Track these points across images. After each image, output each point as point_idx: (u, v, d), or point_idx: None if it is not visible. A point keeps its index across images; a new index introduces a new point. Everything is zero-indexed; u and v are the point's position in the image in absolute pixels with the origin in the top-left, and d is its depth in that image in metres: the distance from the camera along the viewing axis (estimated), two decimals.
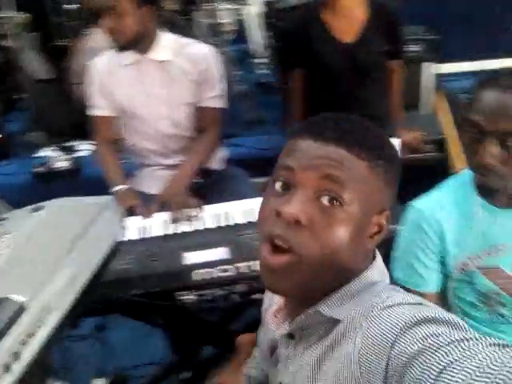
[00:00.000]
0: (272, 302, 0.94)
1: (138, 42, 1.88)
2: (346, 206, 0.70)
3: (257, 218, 0.76)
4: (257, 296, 1.56)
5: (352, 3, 2.05)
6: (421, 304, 0.69)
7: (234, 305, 1.72)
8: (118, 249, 1.27)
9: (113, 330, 2.34)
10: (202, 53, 1.99)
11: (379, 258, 0.81)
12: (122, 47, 1.88)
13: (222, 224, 1.68)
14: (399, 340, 0.62)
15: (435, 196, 1.32)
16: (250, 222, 1.66)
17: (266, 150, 3.15)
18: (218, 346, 1.91)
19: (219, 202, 1.83)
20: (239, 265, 1.46)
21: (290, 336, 0.82)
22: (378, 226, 0.75)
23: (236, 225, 1.67)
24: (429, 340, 0.59)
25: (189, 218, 1.74)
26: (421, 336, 0.60)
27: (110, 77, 1.98)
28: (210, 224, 1.70)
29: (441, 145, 2.57)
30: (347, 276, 0.75)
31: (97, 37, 3.10)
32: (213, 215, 1.75)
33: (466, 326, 0.62)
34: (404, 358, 0.60)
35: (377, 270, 0.78)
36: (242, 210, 1.74)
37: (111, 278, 1.39)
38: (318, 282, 0.72)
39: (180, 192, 1.88)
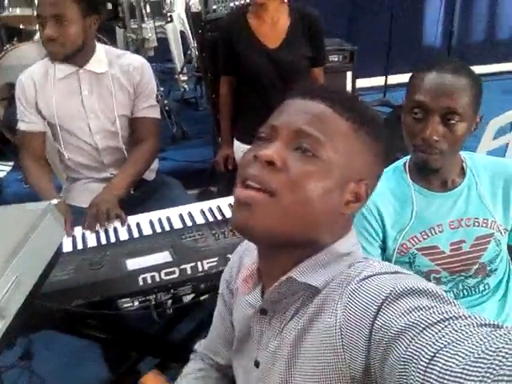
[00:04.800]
0: (240, 269, 0.92)
1: (77, 54, 1.84)
2: (321, 160, 0.71)
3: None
4: (202, 298, 1.55)
5: (276, 10, 2.13)
6: (398, 272, 0.70)
7: (172, 314, 1.68)
8: (60, 254, 1.21)
9: (40, 357, 2.21)
10: (135, 64, 1.97)
11: (353, 232, 0.81)
12: (63, 58, 1.82)
13: (161, 230, 1.66)
14: (382, 312, 0.62)
15: None
16: (190, 226, 1.65)
17: (195, 163, 3.17)
18: (158, 356, 1.86)
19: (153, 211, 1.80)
20: (184, 266, 1.44)
21: (263, 311, 0.81)
22: (354, 194, 0.75)
23: (177, 229, 1.65)
24: (415, 314, 0.59)
25: (106, 228, 1.68)
26: (406, 309, 0.60)
27: (41, 90, 1.90)
28: (149, 230, 1.66)
29: None
30: (319, 242, 0.75)
31: (14, 54, 2.99)
32: (151, 222, 1.71)
33: (448, 297, 0.62)
34: (389, 332, 0.59)
35: (350, 241, 0.79)
36: (180, 216, 1.73)
37: (51, 289, 1.32)
38: (287, 229, 0.71)
39: (109, 200, 1.79)
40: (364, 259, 0.76)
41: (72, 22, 1.75)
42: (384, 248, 1.35)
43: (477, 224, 1.33)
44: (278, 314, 0.79)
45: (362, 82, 4.11)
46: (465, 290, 1.37)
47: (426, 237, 1.32)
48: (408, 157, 1.36)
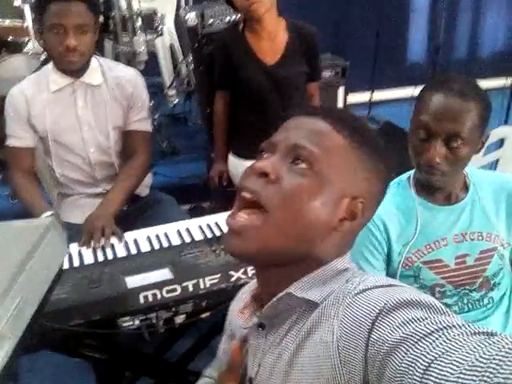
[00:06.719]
0: (238, 305, 0.91)
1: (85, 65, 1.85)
2: (315, 174, 0.72)
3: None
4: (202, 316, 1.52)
5: (274, 26, 2.12)
6: (392, 285, 0.69)
7: (168, 333, 1.65)
8: (63, 270, 1.17)
9: (26, 378, 2.15)
10: (128, 76, 1.96)
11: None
12: (79, 68, 1.83)
13: (159, 246, 1.63)
14: (377, 325, 0.61)
15: None
16: (189, 242, 1.63)
17: (186, 178, 3.15)
18: (154, 377, 1.81)
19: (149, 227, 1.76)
20: (186, 284, 1.41)
21: (260, 325, 0.79)
22: (349, 212, 0.75)
23: (175, 246, 1.62)
24: (409, 326, 0.58)
25: (102, 246, 1.64)
26: (400, 322, 0.59)
27: (33, 104, 1.86)
28: (147, 247, 1.63)
29: None
30: (312, 257, 0.75)
31: (3, 66, 2.95)
32: (148, 238, 1.68)
33: (442, 307, 0.63)
34: (385, 346, 0.59)
35: (348, 259, 0.79)
36: (178, 232, 1.70)
37: (49, 308, 1.28)
38: (279, 248, 0.72)
39: (104, 217, 1.76)
40: (360, 273, 0.76)
41: (91, 32, 1.78)
42: (389, 261, 1.34)
43: (481, 238, 1.34)
44: (274, 328, 0.78)
45: (350, 98, 4.13)
46: (469, 304, 1.37)
47: (430, 250, 1.32)
48: (412, 171, 1.36)
